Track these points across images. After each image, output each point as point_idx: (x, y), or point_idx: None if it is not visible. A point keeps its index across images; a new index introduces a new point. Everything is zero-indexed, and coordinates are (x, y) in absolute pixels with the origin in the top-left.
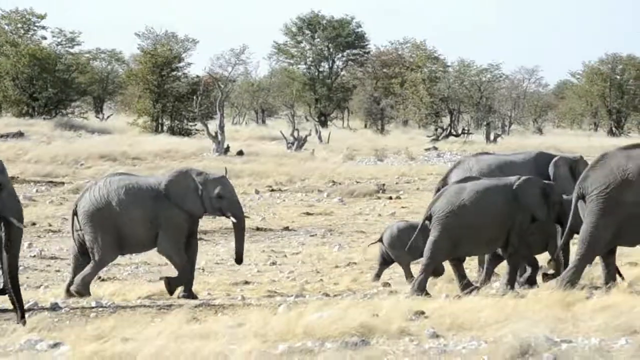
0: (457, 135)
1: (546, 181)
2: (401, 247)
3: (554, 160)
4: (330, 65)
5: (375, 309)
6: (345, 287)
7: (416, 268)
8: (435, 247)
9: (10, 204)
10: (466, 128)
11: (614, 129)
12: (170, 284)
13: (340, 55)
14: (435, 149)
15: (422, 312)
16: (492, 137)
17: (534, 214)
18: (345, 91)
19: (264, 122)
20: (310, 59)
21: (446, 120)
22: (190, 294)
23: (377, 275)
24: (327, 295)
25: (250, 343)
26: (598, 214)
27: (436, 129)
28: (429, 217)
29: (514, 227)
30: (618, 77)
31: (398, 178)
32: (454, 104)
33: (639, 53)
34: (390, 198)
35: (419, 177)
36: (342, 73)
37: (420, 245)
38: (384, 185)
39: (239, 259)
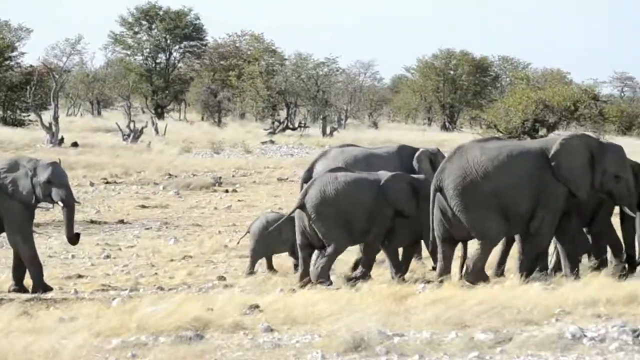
0: (293, 129)
1: (416, 176)
2: (263, 239)
3: (417, 154)
4: (168, 56)
5: (210, 303)
6: (181, 281)
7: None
8: (333, 237)
9: None
10: (303, 121)
11: (447, 123)
12: (33, 284)
13: (177, 46)
14: (272, 142)
15: (257, 306)
16: (328, 130)
17: (402, 210)
18: (182, 83)
19: (99, 113)
20: (148, 50)
21: (283, 114)
22: (22, 288)
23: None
24: (161, 289)
25: (82, 337)
26: (471, 207)
27: (273, 122)
28: (302, 206)
29: (377, 220)
30: (452, 72)
31: (234, 171)
32: (291, 97)
33: (471, 49)
34: (227, 191)
35: (256, 170)
36: (179, 65)
37: (290, 238)
38: (220, 178)
39: (72, 240)
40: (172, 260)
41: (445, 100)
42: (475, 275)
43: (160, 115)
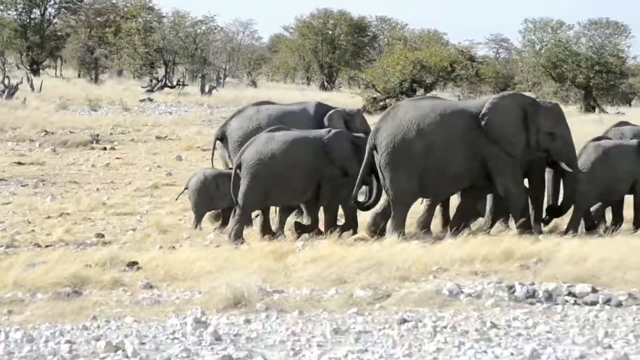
0: (172, 87)
1: (358, 134)
2: (203, 194)
3: (328, 114)
4: (42, 12)
5: (89, 260)
6: (58, 238)
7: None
8: (247, 196)
9: None
10: (181, 80)
11: (325, 83)
12: None
13: (52, 2)
14: (150, 100)
15: (136, 263)
16: (207, 89)
17: (345, 168)
18: (57, 39)
19: None
20: (22, 5)
21: (161, 72)
22: None
23: (196, 223)
24: (38, 245)
25: None
26: (394, 165)
27: (151, 80)
28: (239, 166)
29: (323, 180)
30: (330, 32)
31: (112, 128)
32: (169, 55)
33: (350, 9)
34: (105, 149)
35: (134, 128)
36: (54, 21)
37: (228, 193)
38: (97, 135)
39: None
40: (49, 217)
41: (324, 60)
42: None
43: (35, 72)
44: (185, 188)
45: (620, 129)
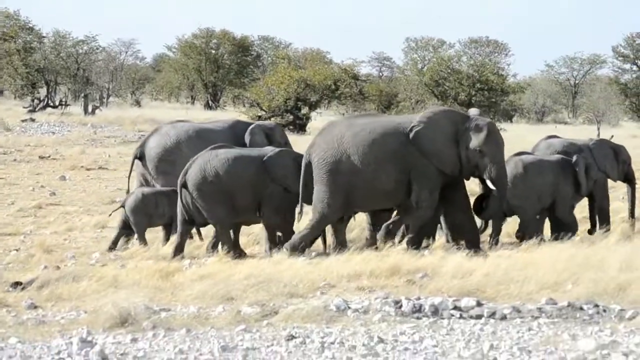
0: (54, 107)
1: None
2: (142, 213)
3: (250, 128)
4: None
5: None
6: None
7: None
8: (213, 214)
9: None
10: (64, 100)
11: (210, 102)
12: None
13: None
14: (33, 120)
15: (20, 283)
16: (90, 109)
17: (286, 186)
18: None
19: None
20: None
21: (43, 92)
22: None
23: (114, 242)
24: None
25: None
26: (322, 181)
27: (33, 100)
28: (184, 185)
29: (264, 198)
30: (213, 51)
31: None
32: (51, 75)
33: (232, 28)
34: None
35: (16, 148)
36: None
37: (166, 212)
38: None
39: None
40: None
41: (208, 79)
42: (292, 248)
43: None
44: (121, 206)
45: (549, 141)
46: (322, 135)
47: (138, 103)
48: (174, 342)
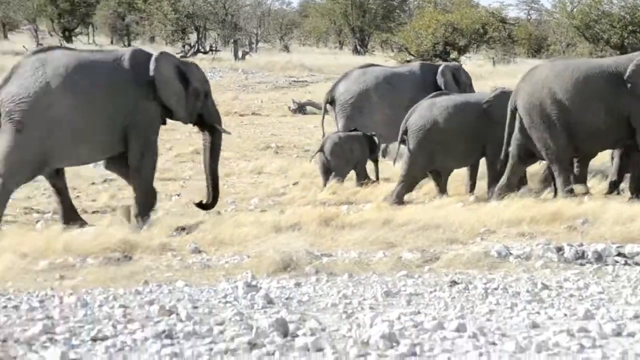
0: (205, 52)
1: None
2: (341, 156)
3: (440, 69)
4: None
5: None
6: (104, 204)
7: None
8: (412, 161)
9: (215, 112)
10: (214, 45)
11: (358, 47)
12: None
13: None
14: None
15: (184, 228)
16: (240, 54)
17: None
18: (88, 6)
19: (5, 36)
20: None
21: (193, 37)
22: None
23: (324, 185)
24: (85, 211)
25: (9, 259)
26: (537, 126)
27: (184, 46)
28: (405, 132)
29: (489, 142)
30: None
31: None
32: (200, 21)
33: None
34: None
35: None
36: None
37: (358, 156)
38: None
39: None
40: (93, 183)
41: (355, 23)
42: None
43: (68, 39)
44: (319, 150)
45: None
46: (525, 81)
47: (287, 48)
48: (337, 287)
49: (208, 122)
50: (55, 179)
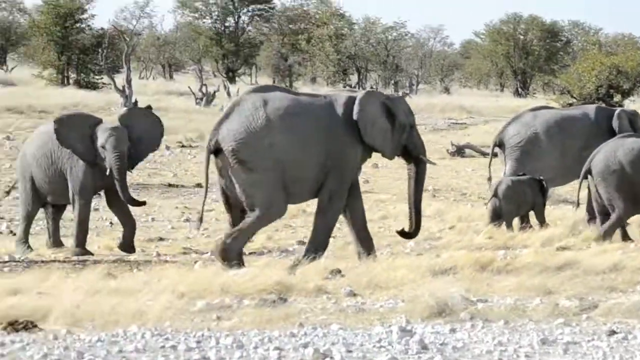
0: None
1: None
2: (513, 201)
3: (616, 113)
4: (236, 20)
5: (291, 268)
6: (261, 245)
7: None
8: (619, 202)
9: (420, 143)
10: (374, 86)
11: (520, 89)
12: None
13: (245, 10)
14: None
15: (339, 271)
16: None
17: None
18: (252, 47)
19: (171, 76)
20: (216, 13)
21: (354, 78)
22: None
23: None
24: (243, 253)
25: (167, 299)
26: None
27: (344, 87)
28: (588, 171)
29: None
30: (521, 37)
31: None
32: (361, 62)
33: (539, 13)
34: None
35: None
36: (248, 28)
37: (529, 200)
38: None
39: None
40: None
41: (517, 65)
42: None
43: (231, 79)
44: (493, 195)
45: None
46: None
47: (447, 90)
48: (492, 334)
49: (413, 153)
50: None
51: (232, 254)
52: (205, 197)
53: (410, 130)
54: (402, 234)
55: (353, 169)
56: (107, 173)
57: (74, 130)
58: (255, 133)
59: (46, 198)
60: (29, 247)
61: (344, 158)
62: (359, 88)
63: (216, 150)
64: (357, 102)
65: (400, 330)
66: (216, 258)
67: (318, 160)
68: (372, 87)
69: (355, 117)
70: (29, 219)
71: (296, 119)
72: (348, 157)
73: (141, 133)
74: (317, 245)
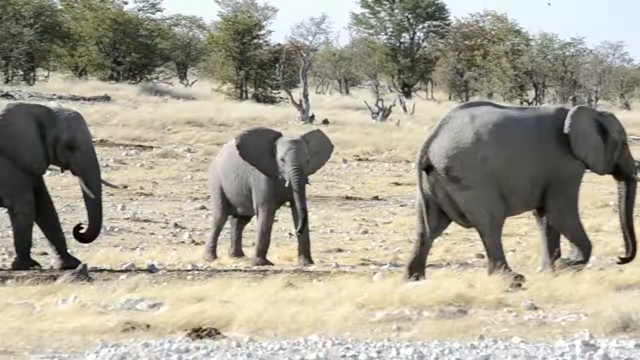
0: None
1: None
2: None
3: None
4: (411, 36)
5: (471, 280)
6: (439, 258)
7: None
8: None
9: (631, 162)
10: (551, 102)
11: None
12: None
13: (420, 26)
14: None
15: (519, 284)
16: None
17: None
18: (427, 62)
19: (347, 91)
20: (390, 29)
21: (531, 94)
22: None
23: None
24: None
25: (347, 309)
26: None
27: (521, 102)
28: None
29: None
30: None
31: None
32: (539, 78)
33: None
34: None
35: None
36: (423, 44)
37: None
38: None
39: None
40: None
41: None
42: None
43: (407, 94)
44: None
45: None
46: None
47: (627, 106)
48: None
49: (624, 172)
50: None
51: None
52: (420, 213)
53: (622, 148)
54: (622, 260)
55: (574, 183)
56: (287, 185)
57: (256, 144)
58: (466, 149)
59: (236, 210)
60: (214, 254)
61: (563, 170)
62: (536, 104)
63: (427, 167)
64: (569, 116)
65: (583, 344)
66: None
67: (530, 173)
68: (549, 103)
69: (566, 130)
70: (217, 229)
71: (506, 131)
72: (568, 169)
73: (317, 147)
74: (582, 255)
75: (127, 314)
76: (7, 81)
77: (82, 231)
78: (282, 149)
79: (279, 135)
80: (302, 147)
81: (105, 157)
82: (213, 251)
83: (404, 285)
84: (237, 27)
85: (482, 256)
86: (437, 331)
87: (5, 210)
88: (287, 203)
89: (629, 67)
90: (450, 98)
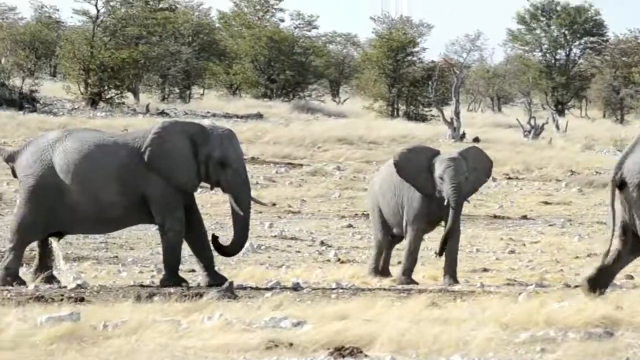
0: None
1: None
2: None
3: None
4: (567, 53)
5: (619, 302)
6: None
7: None
8: None
9: None
10: None
11: None
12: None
13: (577, 42)
14: None
15: None
16: None
17: None
18: (583, 80)
19: (499, 109)
20: (546, 46)
21: None
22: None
23: None
24: (567, 285)
25: (490, 330)
26: None
27: None
28: None
29: None
30: None
31: None
32: None
33: None
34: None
35: None
36: (579, 61)
37: None
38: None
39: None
40: (577, 257)
41: None
42: None
43: (560, 112)
44: None
45: None
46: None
47: None
48: None
49: None
50: None
51: None
52: (613, 232)
53: None
54: None
55: None
56: (445, 204)
57: (414, 162)
58: None
59: (392, 230)
60: (377, 274)
61: None
62: None
63: (621, 184)
64: None
65: None
66: None
67: None
68: None
69: None
70: (378, 249)
71: None
72: None
73: (476, 164)
74: None
75: (271, 332)
76: (163, 99)
77: (225, 244)
78: (440, 167)
79: (437, 152)
80: (460, 164)
81: (256, 175)
82: (376, 271)
83: (549, 306)
84: (392, 44)
85: (632, 277)
86: (581, 353)
87: (156, 227)
88: (442, 223)
89: None
90: (604, 116)
